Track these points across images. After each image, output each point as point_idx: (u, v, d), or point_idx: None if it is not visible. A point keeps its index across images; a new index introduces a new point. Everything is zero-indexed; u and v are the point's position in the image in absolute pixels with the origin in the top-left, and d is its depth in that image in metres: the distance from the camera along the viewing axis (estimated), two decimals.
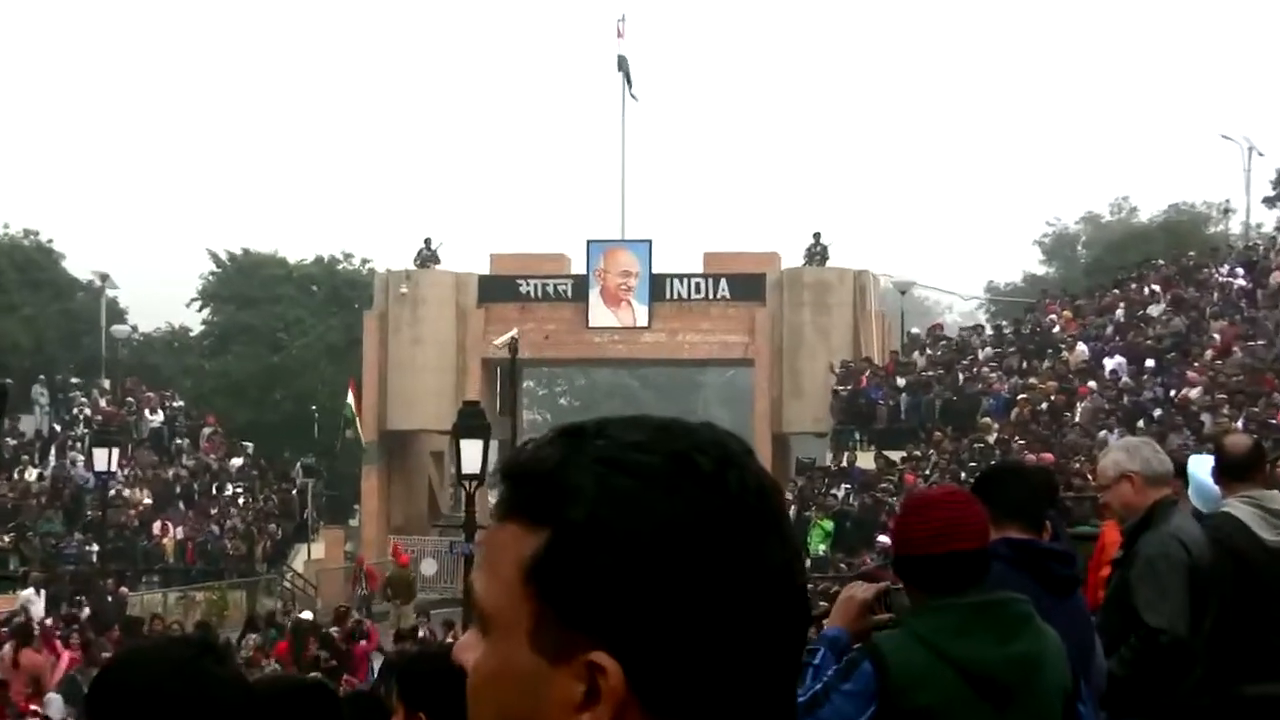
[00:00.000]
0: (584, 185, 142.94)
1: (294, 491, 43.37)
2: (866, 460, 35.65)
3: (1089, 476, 22.33)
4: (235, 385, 52.12)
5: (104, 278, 51.62)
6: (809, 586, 1.56)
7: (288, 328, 55.22)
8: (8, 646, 20.31)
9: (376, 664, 20.95)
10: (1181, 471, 7.00)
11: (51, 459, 41.95)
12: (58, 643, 22.11)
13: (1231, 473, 6.46)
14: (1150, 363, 34.56)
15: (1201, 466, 6.98)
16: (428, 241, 45.43)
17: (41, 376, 45.52)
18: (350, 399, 43.12)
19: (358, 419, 43.06)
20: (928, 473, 32.29)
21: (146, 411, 44.95)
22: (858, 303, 42.99)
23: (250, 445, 46.28)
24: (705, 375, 75.01)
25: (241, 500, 41.87)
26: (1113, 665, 5.38)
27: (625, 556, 1.18)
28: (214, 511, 40.85)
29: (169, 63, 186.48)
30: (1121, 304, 39.89)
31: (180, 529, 39.49)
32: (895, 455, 34.86)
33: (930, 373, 38.77)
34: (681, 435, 1.24)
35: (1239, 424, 26.73)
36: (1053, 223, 69.48)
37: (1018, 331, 41.41)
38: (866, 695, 3.85)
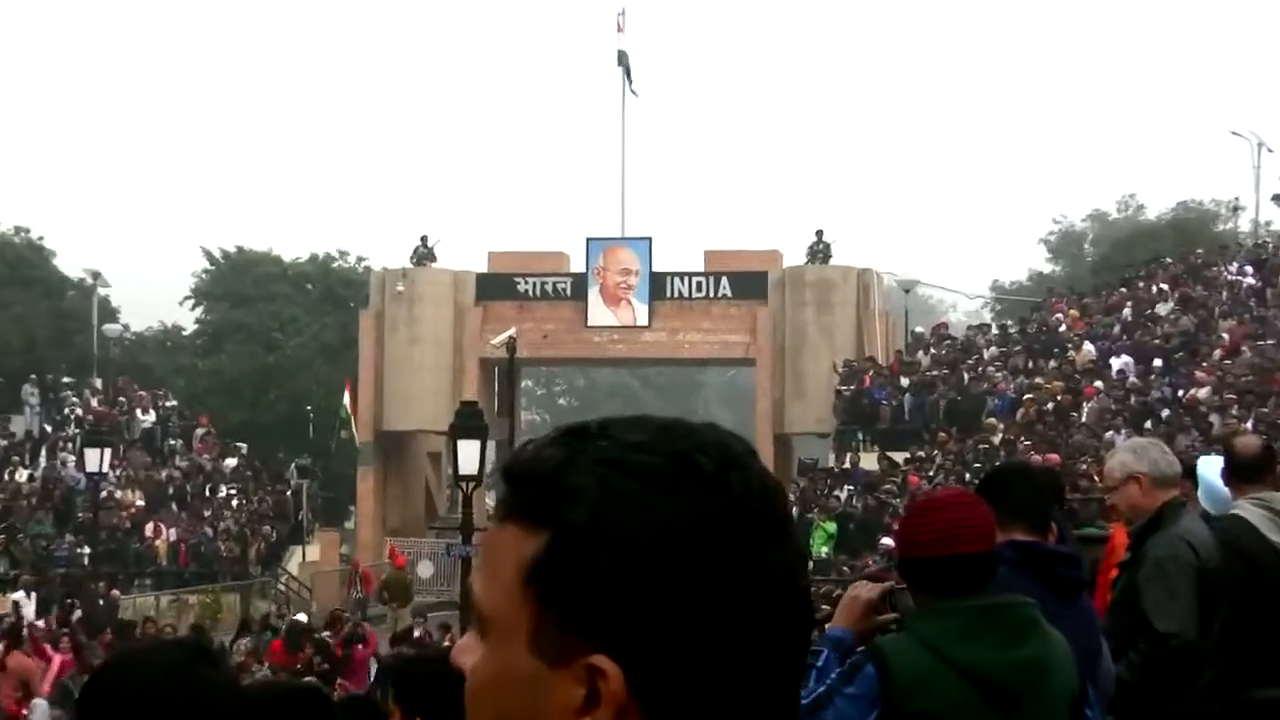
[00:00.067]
0: (583, 182, 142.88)
1: (288, 493, 43.36)
2: (870, 461, 35.66)
3: (1095, 478, 22.42)
4: (229, 385, 52.13)
5: (95, 275, 51.60)
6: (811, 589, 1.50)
7: (282, 326, 55.28)
8: None
9: (374, 668, 20.77)
10: (1190, 473, 6.96)
11: (42, 460, 41.90)
12: (47, 647, 21.81)
13: (1241, 474, 6.47)
14: (1158, 362, 34.52)
15: (1211, 468, 7.02)
16: (424, 239, 45.51)
17: (32, 376, 45.52)
18: (346, 399, 43.11)
19: (353, 419, 43.03)
20: (932, 474, 32.30)
21: (139, 411, 44.97)
22: (861, 301, 43.02)
23: (244, 446, 46.31)
24: (706, 375, 75.49)
25: (235, 502, 41.90)
26: (1121, 670, 5.36)
27: (626, 559, 1.18)
28: (207, 513, 40.83)
29: (161, 57, 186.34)
30: (1129, 303, 39.88)
31: (173, 531, 39.45)
32: (899, 456, 34.88)
33: (934, 372, 38.79)
34: (684, 435, 1.24)
35: (1248, 425, 26.62)
36: (1059, 220, 69.69)
37: (1023, 331, 41.39)
38: (869, 699, 3.84)
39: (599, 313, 43.39)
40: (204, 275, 57.64)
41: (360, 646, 22.53)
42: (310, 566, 41.07)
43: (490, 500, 38.04)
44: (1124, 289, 41.86)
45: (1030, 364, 37.79)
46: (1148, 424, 30.50)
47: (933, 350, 41.32)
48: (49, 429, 43.62)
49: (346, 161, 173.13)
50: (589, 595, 1.18)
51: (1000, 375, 37.29)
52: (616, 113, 46.98)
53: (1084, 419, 32.87)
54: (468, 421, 21.56)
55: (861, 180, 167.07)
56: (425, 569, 38.66)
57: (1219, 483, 6.71)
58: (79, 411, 44.20)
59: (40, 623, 24.97)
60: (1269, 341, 33.95)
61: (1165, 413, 31.49)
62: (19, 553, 35.92)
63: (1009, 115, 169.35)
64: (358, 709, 4.87)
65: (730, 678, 1.19)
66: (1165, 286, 40.09)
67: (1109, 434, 30.08)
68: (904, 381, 38.32)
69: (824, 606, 4.68)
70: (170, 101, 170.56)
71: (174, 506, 40.84)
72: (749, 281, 42.93)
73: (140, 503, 40.16)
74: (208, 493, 42.01)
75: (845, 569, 27.52)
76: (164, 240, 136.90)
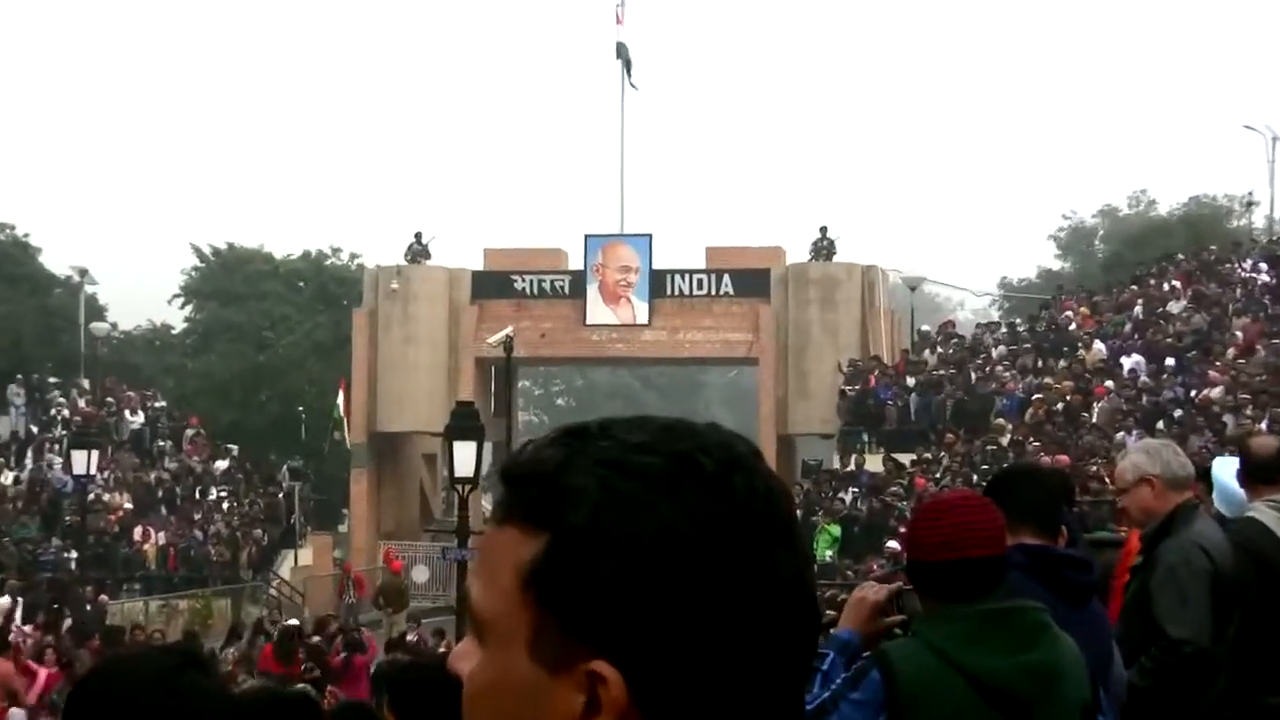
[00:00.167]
0: (582, 177, 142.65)
1: (280, 495, 43.02)
2: (875, 463, 35.55)
3: (1106, 480, 22.37)
4: (219, 385, 52.09)
5: (83, 273, 51.61)
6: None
7: (274, 325, 55.23)
8: None
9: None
10: (1203, 475, 6.93)
11: (28, 461, 41.79)
12: (31, 664, 21.23)
13: (1257, 475, 6.42)
14: (1170, 361, 34.39)
15: (1226, 469, 6.98)
16: (419, 236, 45.37)
17: (18, 376, 45.29)
18: (339, 400, 43.00)
19: (346, 420, 42.90)
20: (939, 476, 32.22)
21: (127, 412, 44.80)
22: (866, 299, 42.85)
23: (235, 447, 46.11)
24: (708, 375, 75.78)
25: (226, 505, 41.65)
26: (1133, 676, 5.33)
27: (628, 562, 1.17)
28: (197, 516, 40.60)
29: (150, 52, 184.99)
30: (1140, 300, 39.86)
31: (162, 534, 39.29)
32: (905, 458, 34.78)
33: (941, 372, 38.69)
34: (686, 436, 1.23)
35: (1263, 425, 26.53)
36: (1069, 216, 69.35)
37: (1032, 329, 41.28)
38: (875, 704, 3.81)
39: (598, 311, 43.19)
40: (194, 273, 57.68)
41: (359, 654, 22.23)
42: (303, 571, 40.89)
43: (487, 503, 37.66)
44: (1135, 286, 41.86)
45: (1039, 363, 37.72)
46: (1160, 424, 30.54)
47: (939, 349, 41.26)
48: (35, 430, 43.48)
49: (339, 156, 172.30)
50: (589, 599, 1.16)
51: (1009, 375, 37.21)
52: (616, 106, 47.01)
53: (1094, 419, 32.79)
54: (464, 422, 21.52)
55: (866, 174, 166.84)
56: (420, 573, 38.58)
57: (1234, 485, 6.66)
58: (66, 412, 44.03)
59: (28, 628, 24.65)
60: None
61: (1178, 413, 31.37)
62: (4, 557, 35.58)
63: (1018, 108, 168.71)
64: (352, 717, 4.92)
65: (734, 684, 1.18)
66: (1177, 284, 40.09)
67: (1120, 435, 30.02)
68: (910, 381, 38.23)
69: (829, 612, 4.54)
70: (159, 95, 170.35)
71: (163, 509, 40.71)
72: (751, 279, 42.79)
73: (129, 505, 40.01)
74: (198, 495, 41.83)
75: (850, 573, 27.53)
76: (153, 237, 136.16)
